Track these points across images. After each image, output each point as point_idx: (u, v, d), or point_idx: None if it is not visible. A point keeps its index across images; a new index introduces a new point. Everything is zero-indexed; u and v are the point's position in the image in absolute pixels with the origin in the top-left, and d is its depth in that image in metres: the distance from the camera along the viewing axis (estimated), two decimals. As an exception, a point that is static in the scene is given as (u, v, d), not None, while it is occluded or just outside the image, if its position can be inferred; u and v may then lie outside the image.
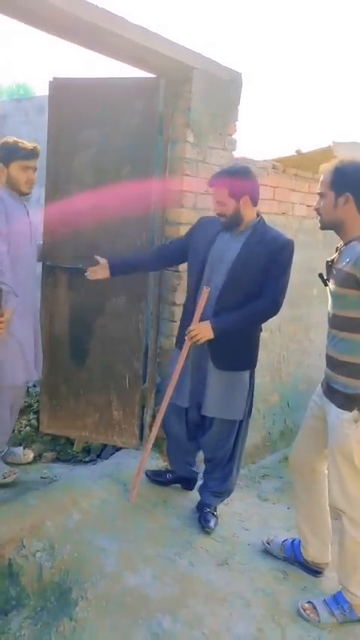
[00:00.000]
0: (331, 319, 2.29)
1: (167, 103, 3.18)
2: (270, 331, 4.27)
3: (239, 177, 2.59)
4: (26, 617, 2.34)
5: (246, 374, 2.80)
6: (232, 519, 3.06)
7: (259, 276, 2.60)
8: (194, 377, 2.80)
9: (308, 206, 4.42)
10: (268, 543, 2.77)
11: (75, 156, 3.30)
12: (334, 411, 2.25)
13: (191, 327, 2.64)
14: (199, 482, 3.08)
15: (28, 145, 2.89)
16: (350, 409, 2.17)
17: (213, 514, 2.91)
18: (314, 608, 2.37)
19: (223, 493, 2.93)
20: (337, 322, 2.23)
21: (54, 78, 3.34)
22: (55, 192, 3.35)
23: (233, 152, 3.50)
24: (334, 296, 2.23)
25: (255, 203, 2.65)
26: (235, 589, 2.49)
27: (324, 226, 2.31)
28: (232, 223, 2.65)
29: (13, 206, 2.87)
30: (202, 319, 2.66)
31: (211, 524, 2.85)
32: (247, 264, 2.60)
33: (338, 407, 2.23)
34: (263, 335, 4.21)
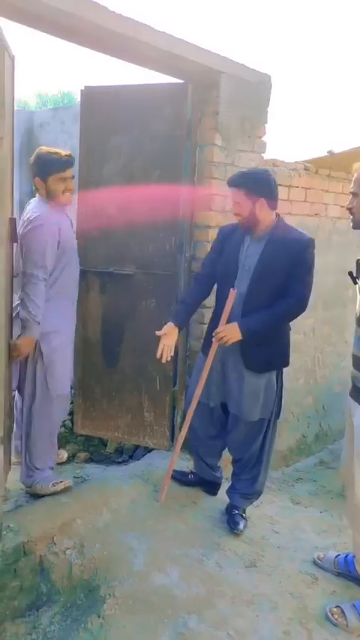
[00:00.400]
0: (358, 318, 2.27)
1: (195, 108, 3.21)
2: (304, 334, 4.24)
3: (256, 180, 2.61)
4: (56, 613, 2.41)
5: (274, 374, 2.79)
6: (262, 522, 3.06)
7: (283, 279, 2.61)
8: (221, 376, 2.81)
9: (342, 207, 4.37)
10: (319, 559, 2.71)
11: (106, 161, 3.37)
12: (358, 413, 2.22)
13: (219, 329, 2.65)
14: (227, 485, 3.07)
15: (62, 153, 2.83)
16: None
17: (242, 516, 2.91)
18: (342, 612, 2.35)
19: (251, 495, 2.93)
20: None
21: (85, 86, 3.42)
22: (86, 197, 3.42)
23: (263, 154, 3.50)
24: None
25: (272, 206, 2.65)
26: (263, 591, 2.48)
27: (356, 225, 2.30)
28: (248, 225, 2.67)
29: (65, 226, 2.85)
30: (231, 322, 2.67)
31: (240, 526, 2.85)
32: (268, 268, 2.61)
33: None
34: (297, 337, 4.22)
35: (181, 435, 2.88)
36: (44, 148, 2.87)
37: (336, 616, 2.34)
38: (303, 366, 4.27)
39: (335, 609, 2.37)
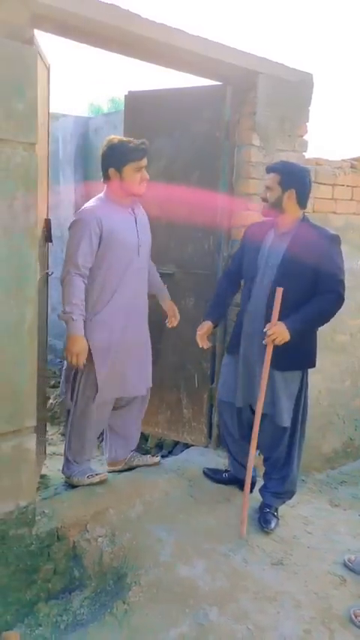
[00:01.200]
0: None
1: (234, 109, 3.24)
2: (350, 334, 4.17)
3: (293, 171, 2.67)
4: (86, 597, 2.52)
5: (298, 375, 2.78)
6: (296, 521, 3.05)
7: (309, 275, 2.61)
8: (247, 377, 2.83)
9: None
10: (350, 562, 2.68)
11: (148, 164, 3.45)
12: None
13: (270, 330, 2.62)
14: (260, 483, 3.09)
15: (136, 141, 2.69)
16: None
17: (274, 515, 2.92)
18: None
19: (283, 494, 2.93)
20: None
21: (129, 91, 3.54)
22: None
23: (304, 153, 3.48)
24: None
25: (301, 202, 2.67)
26: (287, 589, 2.49)
27: None
28: (271, 213, 2.70)
29: (117, 221, 2.73)
30: (259, 324, 2.70)
31: (272, 525, 2.86)
32: (294, 265, 2.62)
33: None
34: (343, 338, 4.15)
35: (248, 475, 2.84)
36: (116, 137, 2.74)
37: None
38: (349, 368, 4.19)
39: (359, 611, 2.35)
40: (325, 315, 2.69)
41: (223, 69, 3.03)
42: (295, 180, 2.65)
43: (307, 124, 3.45)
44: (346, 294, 4.04)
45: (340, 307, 2.67)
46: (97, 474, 2.98)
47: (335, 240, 2.64)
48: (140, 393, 3.04)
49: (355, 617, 2.33)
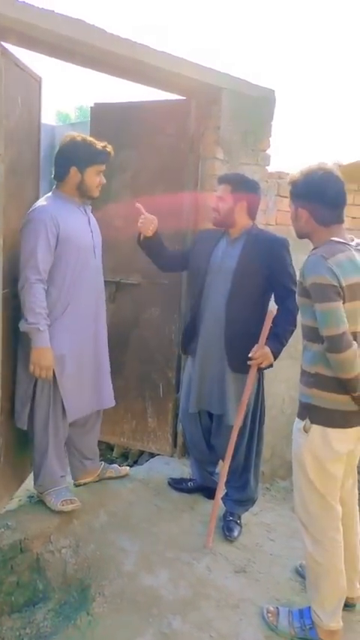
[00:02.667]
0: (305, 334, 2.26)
1: (198, 123, 3.30)
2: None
3: (246, 183, 2.75)
4: (50, 610, 2.51)
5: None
6: (259, 529, 3.09)
7: (264, 278, 2.69)
8: (202, 379, 2.86)
9: (354, 218, 4.37)
10: (302, 567, 2.70)
11: (113, 175, 3.48)
12: (295, 420, 2.24)
13: (257, 354, 2.64)
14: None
15: (99, 145, 2.65)
16: (303, 418, 2.15)
17: (237, 523, 2.96)
18: (277, 614, 2.38)
19: (244, 502, 2.97)
20: (302, 331, 2.21)
21: (95, 103, 3.57)
22: (95, 211, 3.54)
23: (267, 167, 3.56)
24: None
25: (251, 214, 2.77)
26: (249, 596, 2.53)
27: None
28: (222, 222, 2.77)
29: (72, 220, 2.65)
30: (216, 327, 2.77)
31: (234, 533, 2.90)
32: (248, 269, 2.70)
33: (297, 416, 2.22)
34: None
35: (219, 487, 2.86)
36: (78, 135, 2.66)
37: (269, 615, 2.37)
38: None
39: (272, 609, 2.41)
40: (294, 326, 2.73)
41: (187, 84, 3.09)
42: (246, 194, 2.73)
43: (269, 138, 3.53)
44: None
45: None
46: (71, 501, 2.78)
47: (285, 243, 2.73)
48: (111, 404, 2.99)
49: (267, 612, 2.40)
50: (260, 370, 2.73)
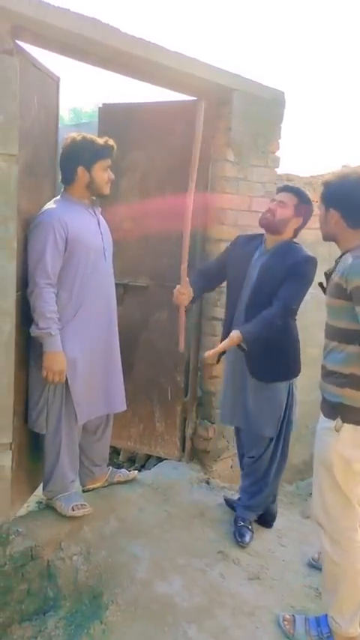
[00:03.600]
0: (325, 329, 2.28)
1: (208, 124, 3.26)
2: (319, 347, 4.22)
3: (308, 205, 2.73)
4: (61, 618, 2.46)
5: (283, 386, 2.80)
6: (270, 534, 3.06)
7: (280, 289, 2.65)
8: (233, 393, 2.88)
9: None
10: (315, 560, 2.76)
11: (122, 176, 3.45)
12: (320, 420, 2.23)
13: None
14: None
15: (100, 140, 2.60)
16: (333, 417, 2.14)
17: (248, 528, 2.92)
18: (293, 622, 2.36)
19: (256, 507, 2.94)
20: (328, 332, 2.21)
21: (103, 104, 3.53)
22: (103, 212, 3.51)
23: (276, 169, 3.54)
24: (326, 305, 2.22)
25: (297, 233, 2.77)
26: (264, 603, 2.50)
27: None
28: (271, 225, 2.72)
29: (81, 222, 2.60)
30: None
31: (246, 538, 2.87)
32: (268, 278, 2.67)
33: (324, 416, 2.21)
34: (312, 351, 4.19)
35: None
36: (78, 135, 2.61)
37: (286, 623, 2.37)
38: (318, 380, 4.25)
39: (289, 617, 2.40)
40: (269, 323, 2.63)
41: (199, 84, 3.06)
42: (307, 211, 2.73)
43: (279, 140, 3.51)
44: (315, 307, 4.12)
45: (282, 317, 2.64)
46: (82, 505, 2.72)
47: (307, 260, 2.66)
48: (122, 408, 2.96)
49: (284, 620, 2.38)
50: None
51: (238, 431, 3.05)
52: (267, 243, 2.77)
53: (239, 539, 2.86)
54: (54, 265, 2.51)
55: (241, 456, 3.07)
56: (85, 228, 2.63)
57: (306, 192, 2.80)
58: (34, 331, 2.54)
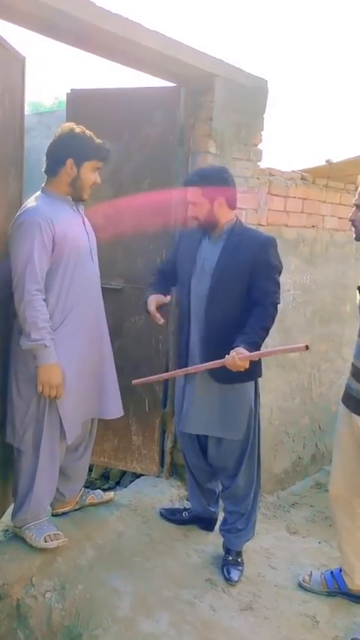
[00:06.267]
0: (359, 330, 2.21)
1: (188, 113, 3.03)
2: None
3: (213, 178, 2.46)
4: (34, 664, 2.19)
5: (249, 386, 2.56)
6: (258, 556, 2.85)
7: (245, 280, 2.42)
8: (194, 399, 2.58)
9: (340, 218, 4.21)
10: (305, 582, 2.61)
11: (93, 169, 3.17)
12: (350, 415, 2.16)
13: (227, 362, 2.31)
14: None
15: (98, 140, 2.41)
16: None
17: (237, 562, 2.65)
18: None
19: (242, 530, 2.68)
20: None
21: (71, 89, 3.24)
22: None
23: (259, 163, 3.33)
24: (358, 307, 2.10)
25: (231, 205, 2.50)
26: (260, 637, 2.28)
27: (359, 237, 2.27)
28: (207, 225, 2.50)
29: (67, 221, 2.38)
30: (191, 333, 2.56)
31: (235, 578, 2.57)
32: (228, 269, 2.44)
33: (353, 412, 2.15)
34: (293, 355, 4.02)
35: None
36: (76, 126, 2.41)
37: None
38: (299, 385, 4.08)
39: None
40: (268, 326, 2.44)
41: (179, 69, 2.81)
42: (218, 189, 2.45)
43: (261, 132, 3.30)
44: (296, 309, 3.95)
45: (275, 316, 2.45)
46: (55, 535, 2.46)
47: (270, 243, 2.47)
48: (118, 414, 2.70)
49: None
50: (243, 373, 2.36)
51: (192, 442, 2.73)
52: (212, 232, 2.53)
53: (227, 577, 2.58)
54: (42, 268, 2.28)
55: (197, 468, 2.78)
56: (71, 228, 2.39)
57: (202, 171, 2.55)
58: (25, 344, 2.28)
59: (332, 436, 4.41)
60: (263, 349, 2.44)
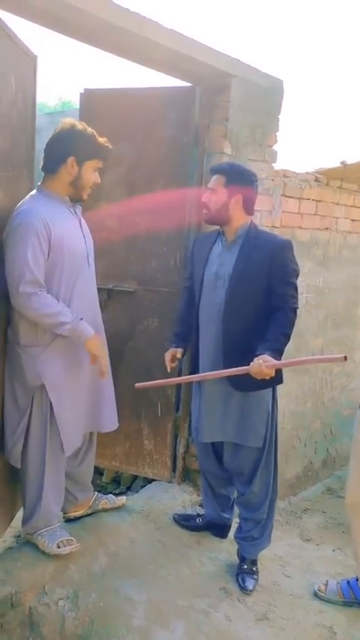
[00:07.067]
0: None
1: (203, 113, 2.98)
2: (312, 354, 4.00)
3: (242, 174, 2.44)
4: (47, 674, 2.14)
5: (267, 393, 2.51)
6: (273, 564, 2.80)
7: (262, 284, 2.37)
8: (211, 408, 2.54)
9: (353, 220, 4.16)
10: (321, 591, 2.56)
11: (106, 170, 3.10)
12: None
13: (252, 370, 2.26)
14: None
15: (100, 139, 2.32)
16: None
17: (252, 571, 2.61)
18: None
19: (258, 539, 2.64)
20: None
21: (85, 89, 3.20)
22: (83, 209, 3.17)
23: (273, 164, 3.28)
24: None
25: (247, 209, 2.46)
26: (277, 649, 2.23)
27: None
28: (215, 218, 2.46)
29: (64, 223, 2.29)
30: (207, 344, 2.52)
31: (250, 587, 2.53)
32: (246, 275, 2.39)
33: None
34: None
35: None
36: (79, 123, 2.32)
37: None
38: (311, 389, 4.03)
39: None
40: (289, 332, 2.40)
41: (195, 68, 2.76)
42: (243, 184, 2.41)
43: (276, 133, 3.25)
44: (309, 312, 3.90)
45: (295, 321, 2.42)
46: (68, 541, 2.41)
47: (287, 246, 2.43)
48: (112, 427, 2.65)
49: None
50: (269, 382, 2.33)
51: (207, 448, 2.69)
52: (227, 236, 2.49)
53: (242, 587, 2.53)
54: (40, 271, 2.20)
55: (212, 473, 2.75)
56: (68, 230, 2.31)
57: (235, 164, 2.54)
58: (64, 331, 2.24)
59: (344, 441, 4.38)
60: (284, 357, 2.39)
